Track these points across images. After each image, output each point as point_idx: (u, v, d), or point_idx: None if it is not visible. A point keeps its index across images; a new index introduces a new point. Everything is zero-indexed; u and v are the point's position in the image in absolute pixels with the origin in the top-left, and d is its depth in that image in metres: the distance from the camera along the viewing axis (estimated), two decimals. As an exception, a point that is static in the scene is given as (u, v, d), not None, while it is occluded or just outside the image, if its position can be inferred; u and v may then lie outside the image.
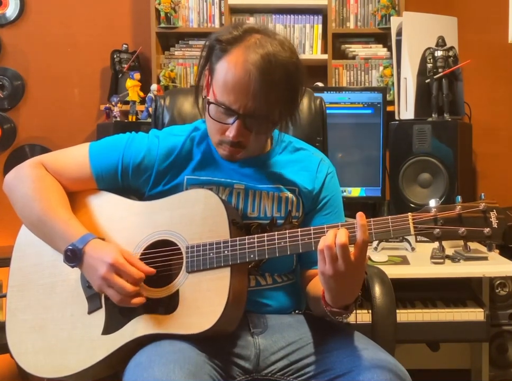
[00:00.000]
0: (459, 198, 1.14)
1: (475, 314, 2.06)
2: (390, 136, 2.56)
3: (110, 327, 1.25)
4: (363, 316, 1.88)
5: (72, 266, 1.25)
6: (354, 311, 1.22)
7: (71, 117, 3.18)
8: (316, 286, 1.31)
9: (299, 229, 1.21)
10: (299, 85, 1.30)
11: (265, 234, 1.23)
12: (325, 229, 1.18)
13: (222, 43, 1.26)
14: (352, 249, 1.11)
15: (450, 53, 2.58)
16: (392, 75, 3.01)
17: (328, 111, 1.76)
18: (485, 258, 2.12)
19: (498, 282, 2.37)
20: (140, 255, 1.28)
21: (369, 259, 2.12)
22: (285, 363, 1.28)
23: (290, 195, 1.39)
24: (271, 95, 1.24)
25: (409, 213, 1.14)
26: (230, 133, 1.27)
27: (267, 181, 1.38)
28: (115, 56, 3.10)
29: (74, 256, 1.23)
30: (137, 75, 2.98)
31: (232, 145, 1.30)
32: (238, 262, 1.22)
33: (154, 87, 2.93)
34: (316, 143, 1.67)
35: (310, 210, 1.41)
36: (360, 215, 1.13)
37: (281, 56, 1.24)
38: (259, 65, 1.21)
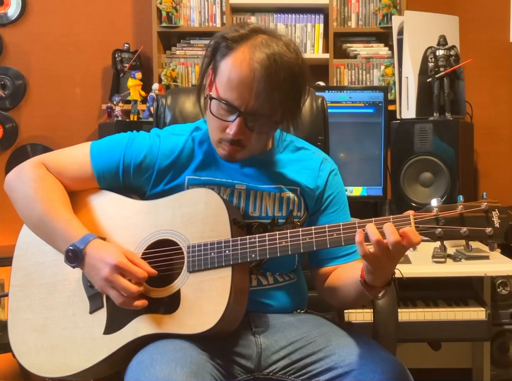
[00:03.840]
0: (461, 198, 1.13)
1: (477, 313, 2.05)
2: (391, 135, 2.55)
3: (111, 327, 1.25)
4: (364, 315, 1.89)
5: (73, 267, 1.25)
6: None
7: (72, 116, 3.19)
8: (340, 276, 1.34)
9: (300, 229, 1.21)
10: (303, 87, 1.29)
11: (266, 234, 1.23)
12: (326, 229, 1.18)
13: (228, 40, 1.26)
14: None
15: (452, 52, 2.58)
16: (393, 74, 3.00)
17: (329, 110, 1.75)
18: (487, 257, 2.12)
19: (500, 281, 2.37)
20: (142, 255, 1.28)
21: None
22: (287, 362, 1.28)
23: (291, 195, 1.38)
24: (275, 95, 1.23)
25: (411, 212, 1.14)
26: (231, 130, 1.26)
27: (269, 181, 1.38)
28: (116, 56, 3.10)
29: (75, 257, 1.23)
30: (138, 75, 2.98)
31: (232, 144, 1.29)
32: (240, 261, 1.22)
33: (155, 86, 2.93)
34: (317, 142, 1.66)
35: (316, 210, 1.41)
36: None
37: (286, 57, 1.24)
38: (265, 64, 1.21)
